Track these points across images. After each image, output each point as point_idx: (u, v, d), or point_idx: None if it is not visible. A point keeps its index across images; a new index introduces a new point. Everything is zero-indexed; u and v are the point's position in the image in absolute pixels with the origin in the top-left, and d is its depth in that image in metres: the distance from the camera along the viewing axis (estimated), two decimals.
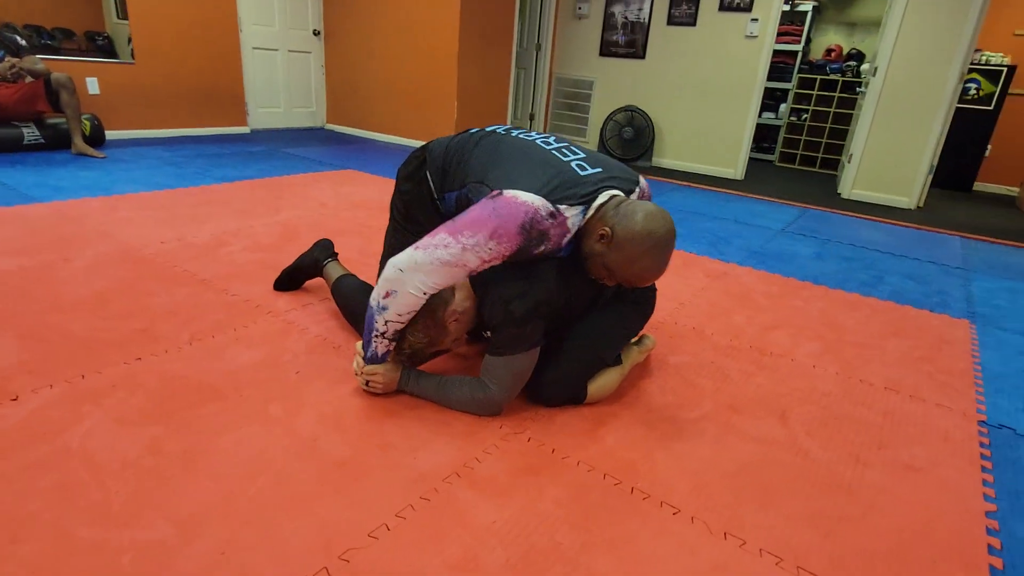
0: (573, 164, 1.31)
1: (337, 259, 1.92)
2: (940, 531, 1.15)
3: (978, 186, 6.10)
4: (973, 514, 1.21)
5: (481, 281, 1.33)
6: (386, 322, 1.30)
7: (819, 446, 1.40)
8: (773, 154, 6.90)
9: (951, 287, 2.70)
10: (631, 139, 5.63)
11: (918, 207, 4.65)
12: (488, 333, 1.34)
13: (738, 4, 4.95)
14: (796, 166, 6.68)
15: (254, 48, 5.43)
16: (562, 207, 1.24)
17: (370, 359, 1.39)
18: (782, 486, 1.24)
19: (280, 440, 1.25)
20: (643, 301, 1.52)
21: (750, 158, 6.37)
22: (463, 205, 1.45)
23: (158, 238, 2.43)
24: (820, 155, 6.53)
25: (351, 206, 3.22)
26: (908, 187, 4.60)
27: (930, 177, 4.61)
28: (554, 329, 1.40)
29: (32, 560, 0.92)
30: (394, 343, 1.36)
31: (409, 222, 1.59)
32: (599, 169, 1.32)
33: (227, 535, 0.99)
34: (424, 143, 1.59)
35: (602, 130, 5.79)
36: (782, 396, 1.61)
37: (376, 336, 1.33)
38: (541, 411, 1.43)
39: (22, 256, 2.11)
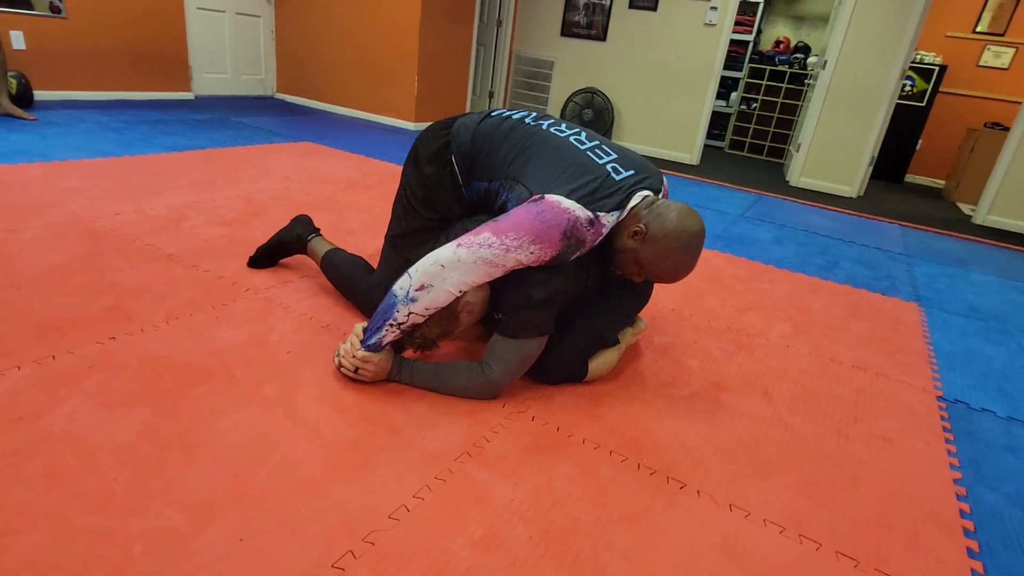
0: (608, 167, 1.32)
1: (320, 234, 1.86)
2: (918, 498, 1.24)
3: (908, 177, 6.51)
4: (944, 482, 1.31)
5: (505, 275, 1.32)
6: (409, 313, 1.26)
7: (803, 421, 1.47)
8: (723, 141, 7.11)
9: (897, 272, 2.89)
10: (591, 121, 5.67)
11: (859, 196, 4.92)
12: (499, 315, 1.34)
13: None
14: (745, 153, 6.91)
15: (199, 8, 5.10)
16: (600, 214, 1.27)
17: (371, 347, 1.32)
18: (775, 458, 1.31)
19: (280, 423, 1.21)
20: (642, 291, 1.55)
21: (704, 145, 6.54)
22: (490, 198, 1.43)
23: (111, 210, 2.27)
24: (768, 143, 6.78)
25: (315, 180, 3.10)
26: (851, 177, 4.86)
27: (870, 168, 4.88)
28: (563, 313, 1.41)
29: (33, 551, 0.85)
30: (400, 336, 1.32)
31: (426, 208, 1.52)
32: (632, 172, 1.34)
33: (242, 521, 0.96)
34: (446, 120, 1.53)
35: (563, 111, 5.80)
36: (763, 374, 1.69)
37: (390, 325, 1.28)
38: (541, 390, 1.44)
39: None
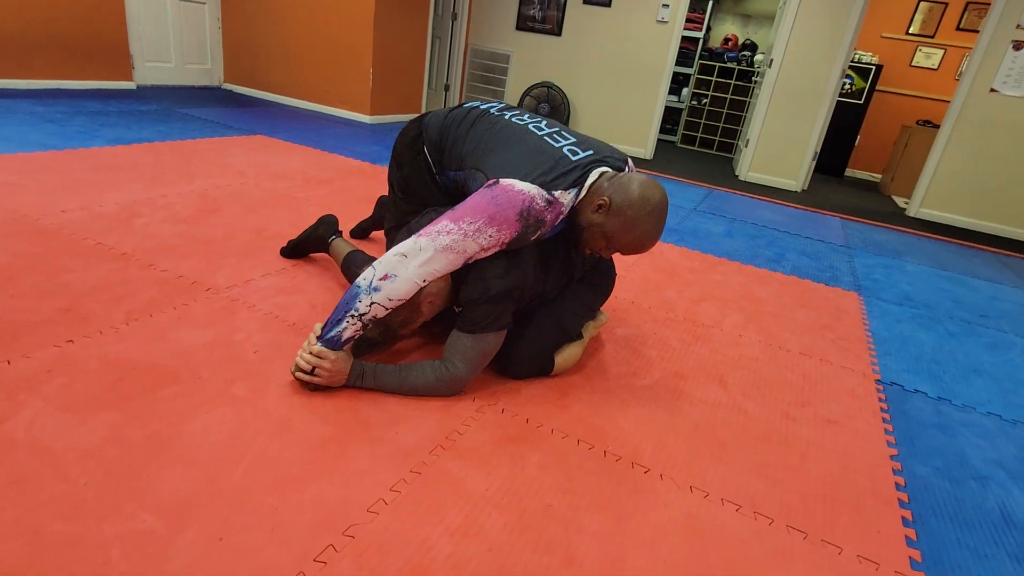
0: (565, 150, 1.35)
1: (342, 235, 1.95)
2: (859, 473, 1.35)
3: (848, 172, 6.84)
4: (881, 458, 1.42)
5: (464, 268, 1.34)
6: (372, 303, 1.24)
7: (755, 406, 1.57)
8: (676, 135, 7.29)
9: (839, 263, 3.06)
10: (547, 115, 5.72)
11: (803, 190, 5.15)
12: (459, 309, 1.36)
13: None
14: (696, 148, 7.11)
15: None
16: (556, 192, 1.29)
17: (329, 341, 1.28)
18: (731, 442, 1.39)
19: (252, 422, 1.21)
20: (603, 284, 1.61)
21: (656, 139, 6.69)
22: (460, 186, 1.46)
23: (57, 207, 2.18)
24: (718, 138, 7.00)
25: (272, 176, 3.04)
26: (796, 171, 5.08)
27: (814, 163, 5.11)
28: (525, 310, 1.45)
29: (6, 560, 0.84)
30: (360, 332, 1.29)
31: (408, 196, 1.60)
32: (590, 152, 1.37)
33: (220, 521, 0.96)
34: (417, 115, 1.62)
35: (519, 105, 5.83)
36: (718, 363, 1.78)
37: (351, 316, 1.26)
38: (509, 384, 1.49)
39: None
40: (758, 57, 6.59)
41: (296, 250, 2.02)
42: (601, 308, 1.83)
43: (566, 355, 1.53)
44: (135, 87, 5.07)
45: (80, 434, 1.10)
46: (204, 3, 5.45)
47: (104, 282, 1.68)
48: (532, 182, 1.27)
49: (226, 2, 5.51)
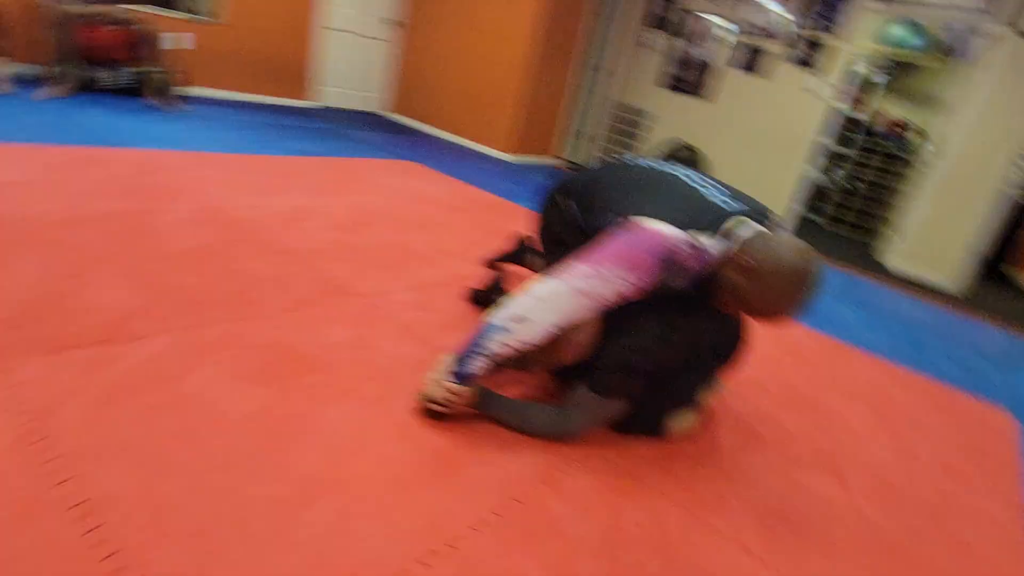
0: (716, 200, 1.30)
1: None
2: None
3: (1009, 268, 6.09)
4: None
5: (615, 322, 1.33)
6: (503, 344, 1.26)
7: (879, 513, 1.45)
8: (824, 215, 6.91)
9: (994, 377, 2.73)
10: None
11: (962, 291, 4.67)
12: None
13: (805, 60, 5.01)
14: (845, 232, 6.68)
15: (331, 28, 5.57)
16: (701, 237, 1.23)
17: (463, 376, 1.30)
18: (845, 544, 1.30)
19: (378, 421, 1.32)
20: (732, 356, 1.56)
21: (802, 217, 6.38)
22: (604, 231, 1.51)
23: (246, 203, 2.52)
24: (869, 224, 6.53)
25: (420, 200, 3.30)
26: (953, 269, 4.63)
27: (977, 262, 4.63)
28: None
29: (173, 499, 0.99)
30: (490, 368, 1.30)
31: (557, 246, 1.57)
32: (743, 205, 1.31)
33: (342, 505, 1.07)
34: (561, 166, 1.67)
35: None
36: (840, 457, 1.66)
37: (484, 355, 1.27)
38: (619, 437, 1.49)
39: (120, 200, 2.21)
40: (922, 143, 6.14)
41: (486, 299, 2.01)
42: None
43: (681, 421, 1.51)
44: (318, 107, 5.74)
45: (240, 401, 1.27)
46: (384, 40, 6.09)
47: (271, 273, 1.92)
48: (673, 224, 1.23)
49: (405, 40, 6.12)
